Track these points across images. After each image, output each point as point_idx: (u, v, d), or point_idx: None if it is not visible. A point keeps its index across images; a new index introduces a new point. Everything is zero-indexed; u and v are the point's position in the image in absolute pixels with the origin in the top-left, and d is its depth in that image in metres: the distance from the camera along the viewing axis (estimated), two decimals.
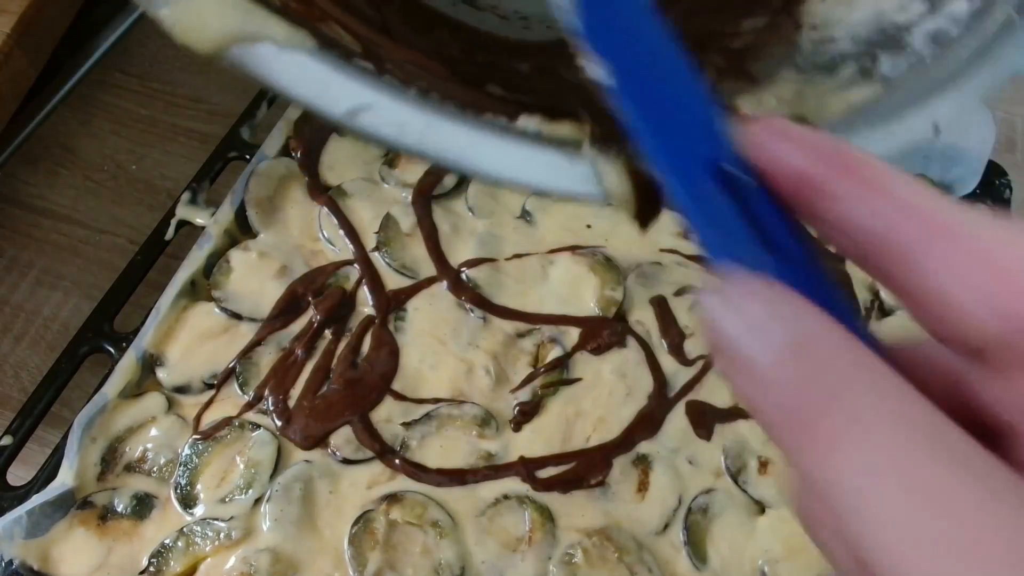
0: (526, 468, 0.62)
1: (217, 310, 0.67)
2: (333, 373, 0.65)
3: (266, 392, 0.64)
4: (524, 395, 0.65)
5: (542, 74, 0.37)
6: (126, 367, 0.64)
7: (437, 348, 0.67)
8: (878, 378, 0.19)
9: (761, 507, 0.63)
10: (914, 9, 0.32)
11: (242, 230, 0.72)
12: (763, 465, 0.64)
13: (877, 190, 0.21)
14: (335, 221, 0.72)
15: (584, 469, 0.63)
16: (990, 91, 0.30)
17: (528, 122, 0.29)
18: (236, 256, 0.70)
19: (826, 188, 0.21)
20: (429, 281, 0.70)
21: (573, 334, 0.68)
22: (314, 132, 0.75)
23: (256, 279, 0.69)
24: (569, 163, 0.28)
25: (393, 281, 0.70)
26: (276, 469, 0.61)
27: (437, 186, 0.74)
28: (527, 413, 0.64)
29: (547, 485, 0.62)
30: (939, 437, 0.18)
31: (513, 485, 0.62)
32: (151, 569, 0.57)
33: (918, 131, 0.29)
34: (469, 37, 0.39)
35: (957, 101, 0.29)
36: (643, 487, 0.63)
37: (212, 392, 0.64)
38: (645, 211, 0.27)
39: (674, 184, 0.23)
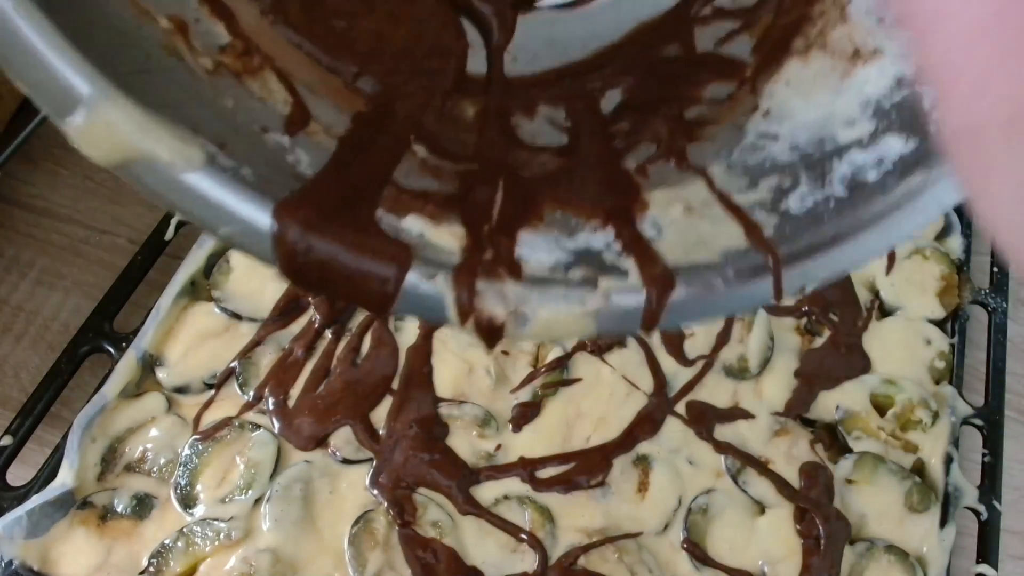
0: (526, 468, 0.62)
1: (217, 310, 0.67)
2: (333, 373, 0.65)
3: (266, 392, 0.64)
4: (524, 395, 0.65)
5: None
6: (126, 367, 0.64)
7: (437, 348, 0.67)
8: None
9: (761, 507, 0.63)
10: (861, 128, 0.32)
11: None
12: (763, 465, 0.64)
13: None
14: None
15: (584, 469, 0.63)
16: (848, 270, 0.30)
17: (414, 224, 0.29)
18: (236, 256, 0.70)
19: None
20: None
21: None
22: None
23: (256, 279, 0.69)
24: (420, 282, 0.28)
25: None
26: (276, 469, 0.61)
27: None
28: (527, 413, 0.64)
29: (547, 485, 0.62)
30: None
31: (513, 485, 0.62)
32: (151, 569, 0.57)
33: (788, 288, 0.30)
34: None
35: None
36: (643, 487, 0.63)
37: (212, 392, 0.64)
38: (487, 343, 0.28)
39: None
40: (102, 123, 0.25)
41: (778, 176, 0.32)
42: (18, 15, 0.23)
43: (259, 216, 0.26)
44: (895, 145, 0.31)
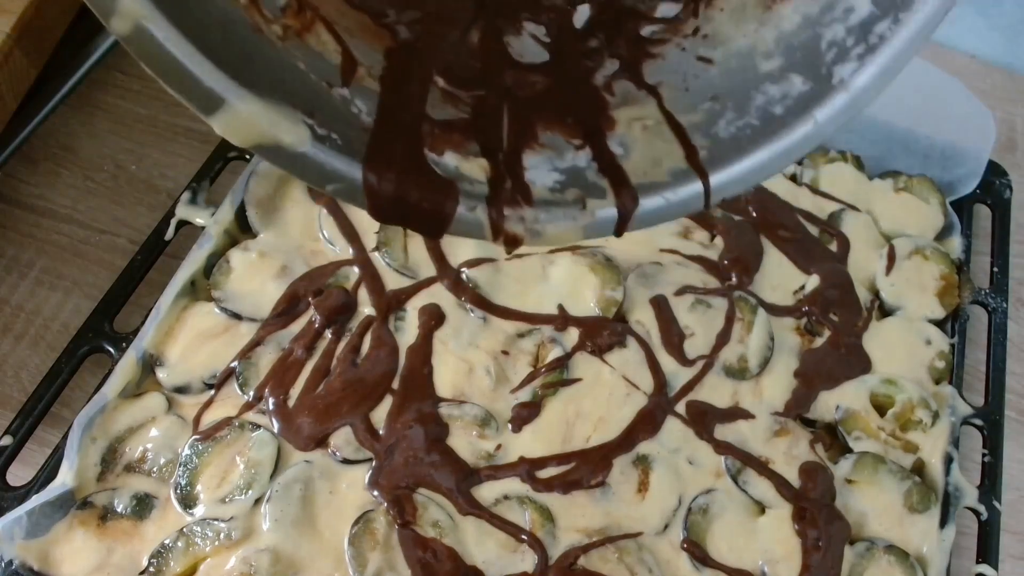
0: (526, 468, 0.62)
1: (217, 310, 0.67)
2: (333, 373, 0.65)
3: (266, 392, 0.64)
4: (524, 395, 0.65)
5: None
6: (126, 367, 0.64)
7: (437, 348, 0.67)
8: None
9: (761, 507, 0.63)
10: (774, 62, 0.39)
11: (242, 230, 0.72)
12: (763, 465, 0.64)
13: None
14: (335, 221, 0.72)
15: (584, 469, 0.62)
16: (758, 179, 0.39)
17: (450, 159, 0.37)
18: (236, 256, 0.70)
19: None
20: (429, 281, 0.70)
21: (573, 334, 0.68)
22: None
23: (256, 279, 0.69)
24: (465, 212, 0.36)
25: (393, 281, 0.70)
26: (276, 469, 0.61)
27: None
28: (527, 414, 0.64)
29: (547, 485, 0.62)
30: None
31: (513, 485, 0.62)
32: (151, 569, 0.57)
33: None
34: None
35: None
36: (643, 487, 0.63)
37: (212, 392, 0.64)
38: (509, 249, 0.38)
39: None
40: (239, 119, 0.32)
41: (711, 101, 0.40)
42: (163, 38, 0.30)
43: (353, 172, 0.35)
44: (796, 83, 0.39)
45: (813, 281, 0.73)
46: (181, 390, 0.65)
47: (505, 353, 0.67)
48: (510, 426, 0.64)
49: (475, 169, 0.38)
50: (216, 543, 0.58)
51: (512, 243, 0.38)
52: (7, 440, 0.62)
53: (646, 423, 0.65)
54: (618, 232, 0.39)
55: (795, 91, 0.39)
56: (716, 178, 0.39)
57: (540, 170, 0.39)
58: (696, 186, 0.39)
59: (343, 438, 0.62)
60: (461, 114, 0.39)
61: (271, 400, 0.64)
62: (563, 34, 0.44)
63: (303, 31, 0.37)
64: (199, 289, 0.69)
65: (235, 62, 0.32)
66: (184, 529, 0.58)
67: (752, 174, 0.39)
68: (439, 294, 0.69)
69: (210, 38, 0.31)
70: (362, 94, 0.38)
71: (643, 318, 0.69)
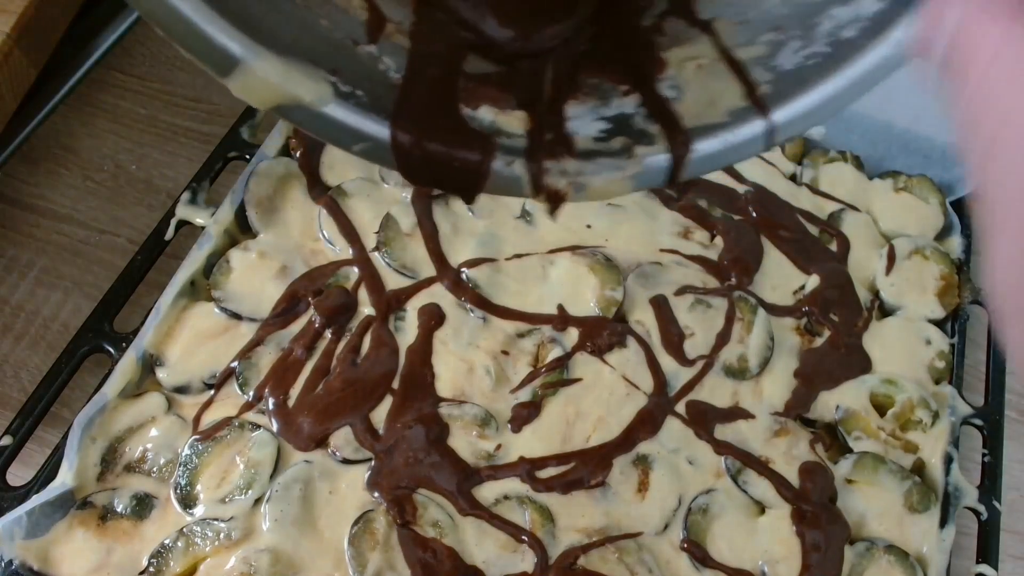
0: (526, 468, 0.62)
1: (217, 310, 0.67)
2: (333, 373, 0.65)
3: (266, 392, 0.64)
4: (524, 395, 0.65)
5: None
6: (126, 367, 0.64)
7: (437, 348, 0.67)
8: None
9: (761, 507, 0.63)
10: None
11: (242, 230, 0.72)
12: (763, 465, 0.64)
13: None
14: (335, 221, 0.72)
15: (584, 469, 0.62)
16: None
17: (486, 113, 0.35)
18: (236, 256, 0.70)
19: None
20: (429, 281, 0.70)
21: (573, 334, 0.68)
22: None
23: (256, 279, 0.69)
24: (502, 168, 0.34)
25: (393, 281, 0.70)
26: (276, 469, 0.61)
27: None
28: (527, 413, 0.64)
29: (547, 485, 0.62)
30: None
31: (513, 485, 0.62)
32: (151, 569, 0.57)
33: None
34: None
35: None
36: (643, 487, 0.63)
37: (212, 392, 0.64)
38: (552, 207, 0.35)
39: None
40: (256, 78, 0.31)
41: (773, 32, 0.37)
42: None
43: (380, 131, 0.33)
44: (867, 2, 0.35)
45: (813, 281, 0.73)
46: (181, 390, 0.65)
47: (505, 353, 0.67)
48: (510, 426, 0.64)
49: (512, 122, 0.35)
50: (216, 543, 0.58)
51: (555, 199, 0.35)
52: (7, 440, 0.62)
53: (646, 423, 0.65)
54: (672, 180, 0.36)
55: (867, 11, 0.35)
56: (781, 114, 0.36)
57: (583, 120, 0.36)
58: (757, 125, 0.35)
59: (343, 438, 0.62)
60: (497, 67, 0.37)
61: (271, 400, 0.64)
62: None
63: None
64: (199, 289, 0.69)
65: (251, 20, 0.31)
66: (184, 529, 0.58)
67: (821, 107, 0.36)
68: (439, 294, 0.69)
69: None
70: (390, 51, 0.36)
71: (643, 318, 0.69)
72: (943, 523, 0.63)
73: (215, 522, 0.58)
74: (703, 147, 0.35)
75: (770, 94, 0.36)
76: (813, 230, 0.77)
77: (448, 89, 0.35)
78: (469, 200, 0.37)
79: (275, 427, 0.63)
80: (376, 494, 0.60)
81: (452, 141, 0.34)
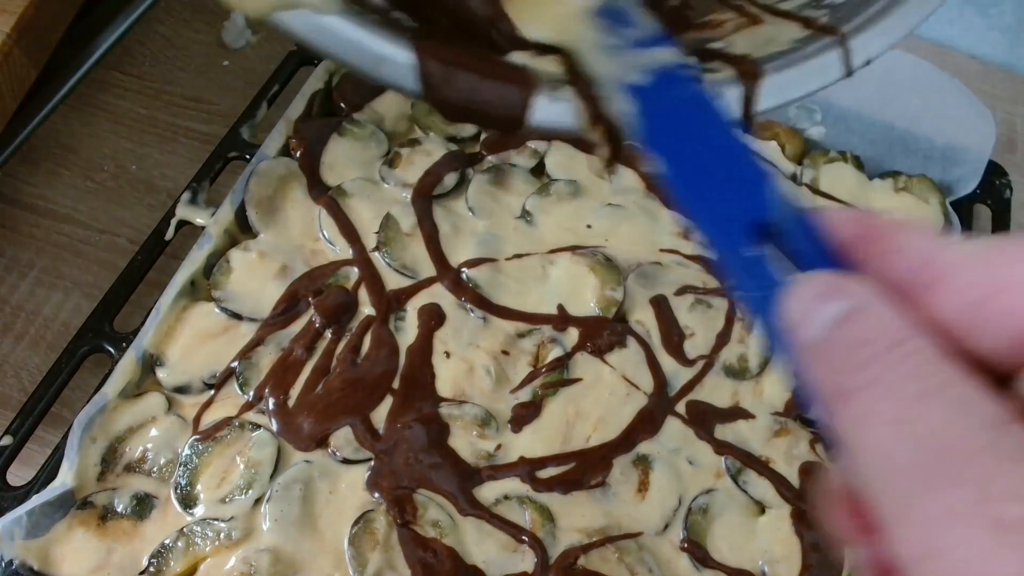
0: (527, 468, 0.62)
1: (217, 310, 0.67)
2: (333, 373, 0.65)
3: (266, 392, 0.64)
4: (524, 395, 0.65)
5: None
6: (126, 367, 0.64)
7: (437, 348, 0.67)
8: (909, 351, 0.22)
9: (761, 507, 0.63)
10: None
11: (242, 230, 0.72)
12: (763, 465, 0.64)
13: (896, 251, 0.25)
14: (335, 221, 0.72)
15: (584, 469, 0.63)
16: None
17: (519, 57, 0.31)
18: (236, 256, 0.69)
19: (861, 256, 0.26)
20: (429, 281, 0.70)
21: (573, 334, 0.68)
22: (314, 132, 0.75)
23: (256, 279, 0.69)
24: (550, 100, 0.30)
25: (393, 281, 0.70)
26: (276, 469, 0.61)
27: (437, 186, 0.74)
28: (527, 414, 0.64)
29: (547, 485, 0.62)
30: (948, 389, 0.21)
31: (513, 485, 0.62)
32: (151, 569, 0.57)
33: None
34: None
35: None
36: (643, 487, 0.63)
37: (212, 392, 0.64)
38: (612, 149, 0.30)
39: (717, 247, 0.27)
40: None
41: None
42: None
43: (401, 51, 0.29)
44: None
45: None
46: (181, 390, 0.65)
47: (505, 353, 0.67)
48: (510, 426, 0.64)
49: (549, 65, 0.31)
50: (216, 543, 0.58)
51: (613, 139, 0.30)
52: (7, 440, 0.62)
53: (646, 423, 0.65)
54: (745, 115, 0.32)
55: None
56: (851, 31, 0.32)
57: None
58: (827, 44, 0.32)
59: (343, 438, 0.62)
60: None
61: (271, 400, 0.64)
62: None
63: None
64: (199, 289, 0.69)
65: None
66: (184, 529, 0.58)
67: (896, 22, 0.32)
68: (439, 294, 0.69)
69: None
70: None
71: (643, 318, 0.69)
72: None
73: (215, 522, 0.58)
74: (775, 74, 0.32)
75: (830, 22, 0.33)
76: None
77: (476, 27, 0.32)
78: (511, 132, 0.34)
79: (275, 427, 0.63)
80: (376, 494, 0.60)
81: (488, 66, 0.30)
